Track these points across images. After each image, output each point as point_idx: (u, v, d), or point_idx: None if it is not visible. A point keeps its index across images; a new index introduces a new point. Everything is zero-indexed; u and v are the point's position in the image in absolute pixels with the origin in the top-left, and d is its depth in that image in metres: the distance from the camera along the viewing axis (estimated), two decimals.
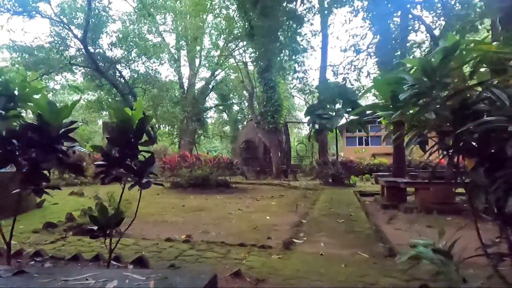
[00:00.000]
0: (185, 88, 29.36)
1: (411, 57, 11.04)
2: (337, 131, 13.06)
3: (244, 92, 22.36)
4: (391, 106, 2.26)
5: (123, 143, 2.25)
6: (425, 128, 2.10)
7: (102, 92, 27.15)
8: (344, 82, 12.00)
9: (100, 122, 39.16)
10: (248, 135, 17.02)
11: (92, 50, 21.31)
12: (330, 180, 12.33)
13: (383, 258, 3.04)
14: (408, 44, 12.35)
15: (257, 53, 10.44)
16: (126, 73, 26.09)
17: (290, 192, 9.85)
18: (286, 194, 9.23)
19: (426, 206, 6.32)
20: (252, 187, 11.41)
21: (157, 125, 29.01)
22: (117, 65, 24.39)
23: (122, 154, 2.25)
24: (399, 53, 12.28)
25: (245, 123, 23.69)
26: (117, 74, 24.52)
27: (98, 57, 22.86)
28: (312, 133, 13.13)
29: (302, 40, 11.68)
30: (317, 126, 13.09)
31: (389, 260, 2.97)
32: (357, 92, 12.35)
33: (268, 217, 5.21)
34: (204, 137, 32.99)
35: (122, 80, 24.70)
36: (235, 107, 35.66)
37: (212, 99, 39.59)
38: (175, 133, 28.65)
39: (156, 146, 19.25)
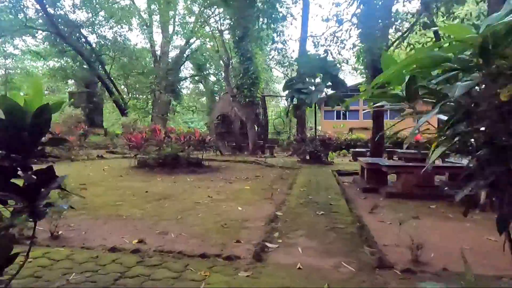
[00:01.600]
0: (158, 56, 27.69)
1: (395, 30, 10.45)
2: (316, 105, 12.51)
3: (221, 62, 21.24)
4: (405, 95, 1.61)
5: (11, 145, 1.51)
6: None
7: (67, 59, 25.12)
8: (325, 54, 11.30)
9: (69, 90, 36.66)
10: (223, 109, 16.21)
11: (52, 12, 19.32)
12: (308, 158, 11.92)
13: (371, 271, 2.55)
14: (392, 14, 11.70)
15: (232, 20, 9.45)
16: (92, 38, 24.15)
17: (266, 171, 9.34)
18: (261, 174, 8.71)
19: (408, 191, 5.98)
20: (226, 165, 10.81)
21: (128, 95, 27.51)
22: (81, 30, 22.38)
23: (9, 163, 1.52)
24: (381, 24, 11.64)
25: (221, 95, 22.69)
26: (82, 39, 22.57)
27: (60, 20, 20.84)
28: (290, 108, 12.54)
29: (281, 7, 10.76)
30: (295, 101, 12.49)
31: (379, 275, 2.48)
32: (338, 65, 11.73)
33: (240, 208, 4.65)
34: (177, 111, 31.69)
35: (88, 47, 22.82)
36: (212, 78, 34.32)
37: (187, 69, 37.95)
38: (148, 104, 27.29)
39: (125, 120, 18.14)
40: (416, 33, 9.15)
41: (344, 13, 11.29)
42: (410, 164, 6.09)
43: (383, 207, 5.14)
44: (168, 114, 29.19)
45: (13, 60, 29.06)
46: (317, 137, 12.73)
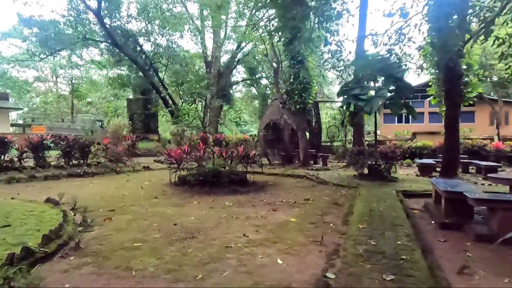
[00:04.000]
0: (210, 61, 27.67)
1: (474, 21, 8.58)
2: (377, 112, 11.00)
3: (272, 65, 20.35)
4: None
5: None
6: None
7: (124, 68, 26.17)
8: (388, 55, 9.79)
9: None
10: (272, 116, 15.28)
11: (108, 23, 20.03)
12: (367, 172, 10.48)
13: None
14: (470, 4, 9.78)
15: (281, 20, 8.46)
16: (147, 47, 24.80)
17: (318, 191, 8.19)
18: (312, 195, 7.58)
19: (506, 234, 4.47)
20: (273, 181, 9.84)
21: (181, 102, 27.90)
22: (137, 39, 23.02)
23: None
24: (456, 16, 9.78)
25: (271, 100, 21.82)
26: (138, 48, 23.22)
27: (117, 30, 21.58)
28: (346, 116, 11.19)
29: (335, 2, 9.49)
30: (352, 107, 11.11)
31: None
32: (403, 66, 10.12)
33: (279, 261, 3.63)
34: (230, 119, 31.38)
35: (143, 55, 23.42)
36: (264, 81, 33.68)
37: (240, 73, 37.83)
38: (198, 111, 27.43)
39: (174, 127, 18.06)
40: (507, 23, 7.34)
41: (412, 5, 9.59)
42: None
43: (476, 260, 3.78)
44: (220, 119, 29.11)
45: (79, 70, 31.17)
46: (378, 147, 11.20)
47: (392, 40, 9.67)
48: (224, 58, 31.48)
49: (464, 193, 5.09)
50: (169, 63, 23.73)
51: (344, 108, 10.89)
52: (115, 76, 26.13)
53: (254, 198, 7.24)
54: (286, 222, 5.20)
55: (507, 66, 8.25)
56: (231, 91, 33.15)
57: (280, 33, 10.98)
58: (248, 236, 4.41)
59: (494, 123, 22.53)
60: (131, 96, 28.55)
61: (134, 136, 16.90)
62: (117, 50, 21.34)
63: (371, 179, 9.94)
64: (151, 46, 24.02)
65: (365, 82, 10.33)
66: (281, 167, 13.56)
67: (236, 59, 30.09)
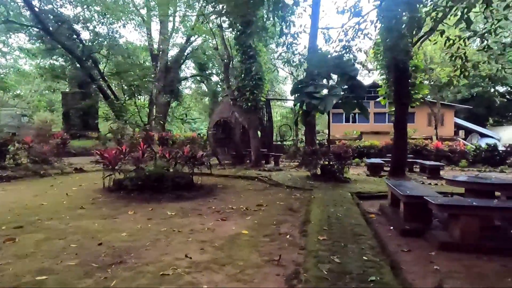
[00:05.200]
0: (156, 54, 26.03)
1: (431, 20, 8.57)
2: (329, 112, 10.75)
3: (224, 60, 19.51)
4: None
5: None
6: None
7: (61, 59, 23.52)
8: (343, 52, 9.52)
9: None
10: (223, 113, 14.50)
11: (37, 5, 17.72)
12: (319, 173, 10.18)
13: None
14: (420, 5, 9.87)
15: (228, 7, 7.70)
16: (85, 35, 22.54)
17: (271, 195, 7.62)
18: (265, 200, 6.98)
19: (471, 242, 4.22)
20: (223, 183, 9.09)
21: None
22: (73, 26, 20.76)
23: None
24: (405, 18, 9.83)
25: (222, 97, 20.98)
26: (74, 36, 20.96)
27: (50, 15, 19.24)
28: (299, 115, 10.79)
29: None
30: (305, 106, 10.75)
31: None
32: (356, 65, 9.94)
33: None
34: (176, 116, 29.76)
35: (80, 44, 21.21)
36: (214, 78, 32.68)
37: (189, 68, 36.40)
38: (144, 106, 25.65)
39: (115, 124, 16.47)
40: (455, 28, 7.38)
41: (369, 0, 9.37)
42: (476, 204, 4.31)
43: (447, 275, 3.40)
44: (168, 116, 27.61)
45: (4, 58, 27.59)
46: (330, 146, 10.97)
47: (348, 35, 9.39)
48: (173, 52, 29.94)
49: (425, 197, 4.79)
50: (110, 54, 21.75)
51: (297, 106, 10.48)
52: (46, 67, 23.35)
53: (201, 205, 6.44)
54: (237, 236, 4.49)
55: (456, 68, 8.38)
56: (179, 87, 31.69)
57: (230, 23, 10.19)
58: (191, 258, 3.62)
59: (432, 123, 24.01)
60: (67, 90, 25.89)
61: (66, 134, 15.05)
62: (48, 37, 18.99)
63: (324, 180, 9.64)
64: (90, 35, 21.84)
65: (319, 81, 10.00)
66: (232, 167, 12.86)
67: (185, 54, 28.74)
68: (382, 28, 10.46)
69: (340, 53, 9.45)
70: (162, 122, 23.13)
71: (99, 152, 7.24)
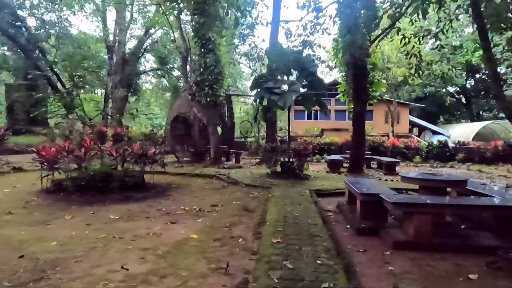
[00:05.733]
0: (112, 45, 24.63)
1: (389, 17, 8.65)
2: (290, 108, 10.61)
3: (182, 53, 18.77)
4: None
5: None
6: None
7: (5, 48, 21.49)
8: (302, 47, 9.38)
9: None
10: (181, 109, 13.91)
11: None
12: (279, 170, 10.02)
13: None
14: (378, 4, 9.98)
15: None
16: (31, 23, 20.76)
17: (228, 194, 7.30)
18: (221, 200, 6.65)
19: (424, 240, 4.17)
20: (178, 182, 8.63)
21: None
22: (16, 12, 19.01)
23: None
24: (364, 16, 9.91)
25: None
26: (17, 23, 19.21)
27: None
28: (259, 111, 10.55)
29: None
30: (265, 102, 10.52)
31: None
32: (316, 61, 9.85)
33: None
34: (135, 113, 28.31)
35: (25, 32, 19.49)
36: (176, 73, 31.65)
37: (149, 62, 35.07)
38: (99, 100, 24.21)
39: (63, 120, 15.30)
40: (412, 23, 7.48)
41: None
42: (430, 202, 4.27)
43: (401, 277, 3.28)
44: (125, 111, 26.33)
45: None
46: (290, 143, 10.84)
47: (307, 30, 9.25)
48: (131, 44, 28.58)
49: (380, 195, 4.71)
50: (59, 44, 20.19)
51: (257, 102, 10.23)
52: None
53: (151, 206, 5.97)
54: (185, 241, 4.12)
55: (411, 66, 8.54)
56: (138, 81, 30.38)
57: (186, 12, 9.66)
58: (127, 270, 3.21)
59: (389, 121, 24.92)
60: (12, 81, 23.77)
61: (4, 129, 13.72)
62: None
63: (284, 177, 9.49)
64: (36, 22, 20.14)
65: (279, 76, 9.82)
66: (191, 165, 12.38)
67: (145, 46, 27.53)
68: (341, 25, 10.48)
69: (299, 48, 9.29)
70: (117, 118, 21.98)
71: (36, 150, 6.49)
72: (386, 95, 27.85)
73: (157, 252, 3.69)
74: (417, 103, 32.74)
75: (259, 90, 9.62)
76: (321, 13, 9.06)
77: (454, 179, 5.12)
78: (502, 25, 8.65)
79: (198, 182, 8.87)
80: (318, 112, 30.24)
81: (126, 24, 25.36)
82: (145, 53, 29.53)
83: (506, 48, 9.15)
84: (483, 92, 37.36)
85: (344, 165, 13.10)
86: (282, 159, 10.06)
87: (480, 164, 16.41)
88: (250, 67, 21.50)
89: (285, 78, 9.81)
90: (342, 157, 13.56)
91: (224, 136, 15.18)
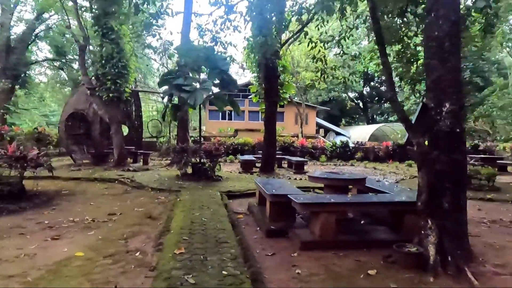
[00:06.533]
0: None
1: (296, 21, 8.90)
2: (201, 106, 10.23)
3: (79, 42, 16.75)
4: None
5: None
6: None
7: None
8: (212, 43, 9.07)
9: None
10: (78, 105, 12.34)
11: None
12: (190, 171, 9.55)
13: None
14: (287, 8, 10.26)
15: None
16: None
17: (130, 200, 6.58)
18: (120, 207, 5.92)
19: (330, 239, 4.24)
20: (71, 188, 7.52)
21: None
22: None
23: None
24: (274, 18, 10.11)
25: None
26: None
27: None
28: (169, 109, 9.90)
29: None
30: (175, 100, 9.94)
31: None
32: (228, 59, 9.64)
33: None
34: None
35: None
36: (76, 65, 28.31)
37: (43, 51, 30.79)
38: None
39: None
40: (318, 28, 7.81)
41: None
42: (334, 201, 4.36)
43: (307, 280, 3.21)
44: (10, 106, 22.56)
45: None
46: (202, 144, 10.45)
47: (217, 26, 8.97)
48: (18, 29, 24.62)
49: (288, 196, 4.67)
50: None
51: (166, 100, 9.58)
52: None
53: (29, 219, 4.97)
54: (67, 261, 3.43)
55: (317, 70, 8.95)
56: (28, 72, 26.36)
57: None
58: None
59: (298, 122, 26.34)
60: None
61: None
62: None
63: (195, 179, 9.06)
64: None
65: (189, 73, 9.34)
66: (91, 168, 11.03)
67: (36, 33, 23.98)
68: (253, 25, 10.49)
69: (210, 44, 8.98)
70: (2, 114, 18.68)
71: None
72: (296, 98, 29.38)
73: (25, 279, 2.96)
74: (323, 106, 35.38)
75: (167, 87, 9.03)
76: (232, 10, 8.88)
77: (355, 177, 5.39)
78: (392, 40, 9.67)
79: (96, 188, 7.86)
80: (232, 112, 30.40)
81: (12, 5, 21.76)
82: (37, 41, 25.78)
83: (395, 58, 10.17)
84: (377, 98, 42.34)
85: (257, 165, 13.22)
86: (193, 160, 9.61)
87: (374, 162, 18.35)
88: (157, 61, 20.27)
89: (196, 75, 9.40)
90: (254, 157, 13.68)
91: (131, 136, 14.00)
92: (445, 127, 3.78)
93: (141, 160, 13.34)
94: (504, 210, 6.65)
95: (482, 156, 15.60)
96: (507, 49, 24.48)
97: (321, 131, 33.64)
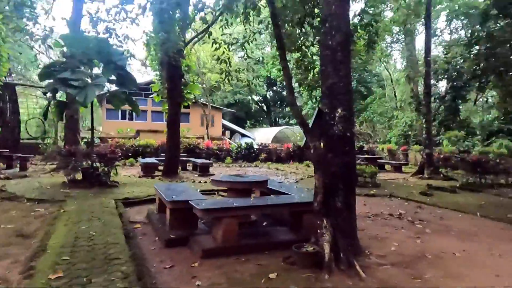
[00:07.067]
0: None
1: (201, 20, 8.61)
2: (92, 104, 9.20)
3: None
4: None
5: None
6: None
7: None
8: (108, 36, 8.19)
9: None
10: None
11: None
12: (81, 178, 8.48)
13: None
14: (191, 5, 9.94)
15: None
16: None
17: None
18: None
19: (232, 244, 4.13)
20: None
21: None
22: None
23: None
24: (178, 15, 9.73)
25: None
26: None
27: None
28: (52, 107, 8.60)
29: None
30: (61, 96, 8.68)
31: None
32: (125, 53, 8.82)
33: None
34: None
35: None
36: None
37: None
38: None
39: None
40: (222, 29, 7.74)
41: None
42: (237, 205, 4.26)
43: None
44: None
45: None
46: (95, 146, 9.38)
47: (111, 16, 8.13)
48: None
49: (190, 201, 4.42)
50: None
51: (49, 95, 8.31)
52: None
53: None
54: None
55: (222, 71, 8.87)
56: None
57: None
58: None
59: (204, 124, 26.05)
60: None
61: None
62: None
63: (86, 186, 8.06)
64: None
65: (80, 66, 8.26)
66: None
67: None
68: (155, 20, 9.90)
69: (104, 35, 8.09)
70: None
71: None
72: (202, 99, 29.05)
73: None
74: (229, 108, 35.83)
75: (51, 81, 7.82)
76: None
77: (257, 179, 5.42)
78: (292, 47, 10.24)
79: None
80: (133, 111, 28.49)
81: None
82: None
83: (294, 65, 10.75)
84: (279, 102, 44.83)
85: (160, 168, 12.52)
86: (84, 164, 8.54)
87: (277, 162, 19.25)
88: (38, 50, 17.54)
89: (88, 70, 8.37)
90: (157, 160, 12.94)
91: (4, 136, 11.79)
92: (338, 131, 4.03)
93: (18, 165, 11.34)
94: (384, 204, 7.56)
95: (366, 156, 17.76)
96: (384, 63, 28.56)
97: (227, 133, 33.99)
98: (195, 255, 3.97)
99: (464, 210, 6.96)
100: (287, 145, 20.79)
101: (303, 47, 10.15)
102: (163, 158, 12.56)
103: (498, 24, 9.18)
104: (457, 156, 15.12)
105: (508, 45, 9.16)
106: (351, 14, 9.84)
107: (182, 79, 11.11)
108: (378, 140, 26.83)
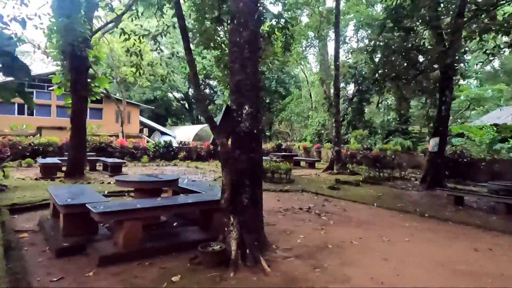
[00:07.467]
0: None
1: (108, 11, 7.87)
2: None
3: None
4: None
5: None
6: None
7: None
8: None
9: None
10: None
11: None
12: None
13: None
14: None
15: None
16: None
17: None
18: None
19: (136, 248, 3.85)
20: None
21: None
22: None
23: None
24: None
25: None
26: None
27: None
28: None
29: None
30: None
31: None
32: (15, 40, 7.64)
33: None
34: None
35: None
36: None
37: None
38: None
39: None
40: (132, 20, 7.22)
41: None
42: (140, 206, 3.97)
43: None
44: None
45: None
46: None
47: None
48: None
49: (86, 205, 4.00)
50: None
51: None
52: None
53: None
54: None
55: (132, 64, 8.30)
56: None
57: None
58: None
59: (119, 121, 24.28)
60: None
61: None
62: None
63: None
64: None
65: None
66: None
67: None
68: (55, 3, 8.85)
69: None
70: None
71: None
72: (117, 94, 27.08)
73: None
74: (148, 105, 34.06)
75: None
76: None
77: (166, 179, 5.18)
78: (212, 44, 10.10)
79: None
80: (27, 105, 25.17)
81: None
82: None
83: (214, 63, 10.62)
84: None
85: (63, 169, 11.26)
86: None
87: (197, 161, 18.90)
88: None
89: None
90: (60, 160, 11.63)
91: None
92: (245, 128, 4.05)
93: None
94: (295, 199, 7.93)
95: (284, 153, 18.54)
96: (301, 66, 30.19)
97: (146, 130, 32.29)
98: (91, 264, 3.61)
99: (364, 201, 7.69)
100: (207, 143, 20.58)
101: (223, 45, 10.10)
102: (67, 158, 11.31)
103: (393, 35, 10.33)
104: (361, 152, 16.76)
105: (400, 54, 10.35)
106: (269, 16, 10.13)
107: (88, 71, 10.13)
108: (295, 139, 28.27)
